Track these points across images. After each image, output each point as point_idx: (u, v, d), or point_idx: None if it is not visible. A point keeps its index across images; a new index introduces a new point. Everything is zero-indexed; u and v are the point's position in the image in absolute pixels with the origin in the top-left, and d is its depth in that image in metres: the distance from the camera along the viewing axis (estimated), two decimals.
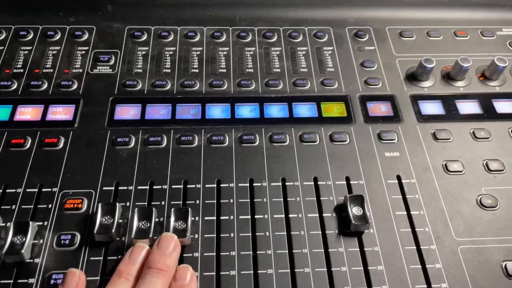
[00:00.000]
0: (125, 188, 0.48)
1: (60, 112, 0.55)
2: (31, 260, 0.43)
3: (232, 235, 0.46)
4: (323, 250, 0.45)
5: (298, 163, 0.51)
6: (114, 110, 0.55)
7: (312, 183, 0.50)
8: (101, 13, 0.66)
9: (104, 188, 0.48)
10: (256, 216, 0.47)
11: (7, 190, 0.47)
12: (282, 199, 0.48)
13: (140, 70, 0.60)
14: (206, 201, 0.48)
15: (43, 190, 0.48)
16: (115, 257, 0.44)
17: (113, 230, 0.44)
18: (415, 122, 0.56)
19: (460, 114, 0.57)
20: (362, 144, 0.53)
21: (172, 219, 0.45)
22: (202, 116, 0.56)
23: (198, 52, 0.62)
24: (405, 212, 0.48)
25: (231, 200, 0.48)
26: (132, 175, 0.49)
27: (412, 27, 0.67)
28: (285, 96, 0.58)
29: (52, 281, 0.42)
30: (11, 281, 0.42)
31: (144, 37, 0.64)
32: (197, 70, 0.60)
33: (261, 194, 0.49)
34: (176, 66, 0.61)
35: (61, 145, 0.52)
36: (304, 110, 0.57)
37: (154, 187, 0.49)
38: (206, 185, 0.49)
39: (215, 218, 0.47)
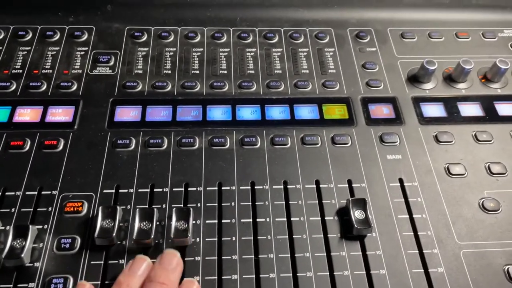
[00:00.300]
0: (126, 191, 0.48)
1: (60, 114, 0.54)
2: (31, 264, 0.43)
3: (233, 238, 0.45)
4: (325, 254, 0.45)
5: (299, 165, 0.51)
6: (114, 111, 0.55)
7: (314, 186, 0.50)
8: (101, 13, 0.65)
9: (104, 191, 0.48)
10: (257, 220, 0.47)
11: (6, 193, 0.47)
12: (284, 202, 0.48)
13: (140, 71, 0.60)
14: (207, 204, 0.48)
15: (43, 193, 0.47)
16: (116, 261, 0.43)
17: (114, 234, 0.43)
18: (417, 124, 0.56)
19: (462, 117, 0.57)
20: (364, 146, 0.53)
21: (174, 219, 0.44)
22: (203, 118, 0.55)
23: (199, 53, 0.62)
24: (407, 216, 0.48)
25: (233, 203, 0.48)
26: (132, 178, 0.49)
27: (413, 28, 0.67)
28: (287, 98, 0.58)
29: (52, 286, 0.41)
30: (11, 286, 0.41)
31: (144, 38, 0.63)
32: (197, 71, 0.60)
33: (263, 197, 0.48)
34: (176, 67, 0.60)
35: (60, 147, 0.51)
36: (305, 112, 0.56)
37: (155, 190, 0.48)
38: (207, 188, 0.49)
39: (216, 221, 0.46)
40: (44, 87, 0.57)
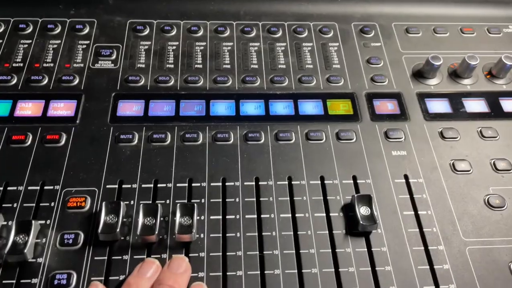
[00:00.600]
0: (129, 186, 0.48)
1: (62, 108, 0.54)
2: (34, 260, 0.42)
3: (238, 234, 0.45)
4: (330, 250, 0.45)
5: (304, 161, 0.51)
6: (116, 106, 0.54)
7: (319, 182, 0.49)
8: (102, 6, 0.64)
9: (107, 186, 0.47)
10: (262, 216, 0.46)
11: (8, 188, 0.46)
12: (288, 198, 0.48)
13: (143, 65, 0.59)
14: (211, 200, 0.47)
15: (45, 188, 0.47)
16: (120, 257, 0.43)
17: (117, 230, 0.43)
18: (422, 120, 0.55)
19: (467, 113, 0.56)
20: (369, 142, 0.53)
21: (178, 215, 0.44)
22: (207, 113, 0.55)
23: (202, 47, 0.61)
24: (413, 212, 0.47)
25: (237, 199, 0.47)
26: (136, 173, 0.49)
27: (418, 23, 0.66)
28: (291, 93, 0.57)
29: (56, 281, 0.41)
30: (14, 281, 0.41)
31: (147, 31, 0.62)
32: (200, 66, 0.59)
33: (267, 193, 0.48)
34: (179, 62, 0.60)
35: (63, 142, 0.51)
36: (310, 107, 0.56)
37: (159, 185, 0.48)
38: (212, 184, 0.48)
39: (221, 217, 0.46)
40: (45, 81, 0.56)
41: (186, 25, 0.64)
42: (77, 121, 0.53)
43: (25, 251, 0.41)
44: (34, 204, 0.46)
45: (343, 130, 0.54)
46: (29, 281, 0.41)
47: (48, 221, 0.45)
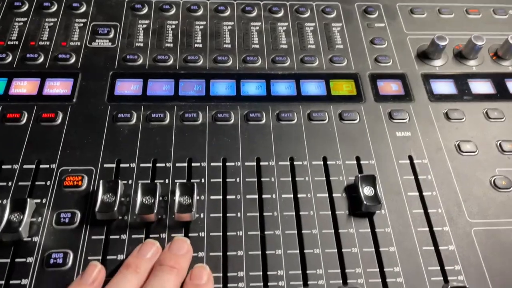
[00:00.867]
0: (127, 165, 0.46)
1: (58, 86, 0.52)
2: (29, 239, 0.41)
3: (239, 214, 0.44)
4: (333, 231, 0.44)
5: (306, 142, 0.50)
6: (114, 85, 0.53)
7: (321, 162, 0.48)
8: None
9: (105, 165, 0.46)
10: (263, 196, 0.45)
11: (3, 166, 0.45)
12: (290, 179, 0.47)
13: (141, 44, 0.57)
14: (211, 180, 0.46)
15: (41, 166, 0.46)
16: (117, 236, 0.42)
17: (115, 208, 0.42)
18: (427, 101, 0.54)
19: (473, 94, 0.55)
20: (373, 123, 0.52)
21: (177, 194, 0.43)
22: (206, 93, 0.53)
23: (202, 27, 0.60)
24: (417, 193, 0.46)
25: (238, 179, 0.46)
26: (134, 152, 0.47)
27: (423, 4, 0.65)
28: (293, 73, 0.56)
29: (51, 260, 0.40)
30: (8, 260, 0.40)
31: (145, 10, 0.61)
32: (200, 45, 0.58)
33: (269, 173, 0.47)
34: (178, 41, 0.58)
35: (59, 120, 0.49)
36: (312, 87, 0.55)
37: (157, 165, 0.47)
38: (212, 164, 0.47)
39: (221, 197, 0.45)
40: (41, 59, 0.55)
41: (185, 4, 0.62)
42: (74, 100, 0.51)
43: (20, 229, 0.40)
44: (29, 183, 0.44)
45: (346, 111, 0.52)
46: (24, 260, 0.40)
47: (44, 200, 0.43)
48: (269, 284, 0.40)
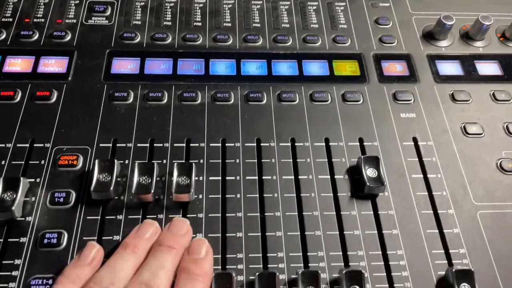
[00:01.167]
0: (124, 145, 0.45)
1: (53, 64, 0.51)
2: (23, 219, 0.40)
3: (238, 196, 0.43)
4: (334, 213, 0.42)
5: (308, 123, 0.48)
6: (111, 63, 0.52)
7: (323, 144, 0.47)
8: None
9: (100, 145, 0.45)
10: (263, 177, 0.44)
11: None
12: (291, 160, 0.45)
13: (139, 22, 0.56)
14: (210, 161, 0.45)
15: (35, 145, 0.44)
16: (113, 217, 0.41)
17: (111, 188, 0.41)
18: (432, 82, 0.53)
19: (480, 75, 0.54)
20: (377, 104, 0.50)
21: (175, 174, 0.42)
22: (206, 72, 0.52)
23: (201, 4, 0.58)
24: (422, 175, 0.45)
25: (237, 160, 0.45)
26: (131, 132, 0.46)
27: None
28: (295, 53, 0.54)
29: (45, 240, 0.39)
30: (1, 240, 0.39)
31: None
32: (200, 24, 0.56)
33: (269, 154, 0.46)
34: (177, 19, 0.56)
35: (54, 99, 0.48)
36: (315, 68, 0.53)
37: (155, 145, 0.46)
38: (211, 144, 0.46)
39: (220, 178, 0.44)
40: (36, 37, 0.53)
41: None
42: (69, 78, 0.50)
43: (13, 208, 0.39)
44: (23, 162, 0.43)
45: (349, 92, 0.51)
46: (18, 239, 0.39)
47: (38, 179, 0.42)
48: (269, 266, 0.39)
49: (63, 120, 0.46)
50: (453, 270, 0.38)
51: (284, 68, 0.53)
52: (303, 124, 0.48)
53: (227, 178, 0.44)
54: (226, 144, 0.46)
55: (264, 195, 0.43)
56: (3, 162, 0.43)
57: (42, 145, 0.44)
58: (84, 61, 0.51)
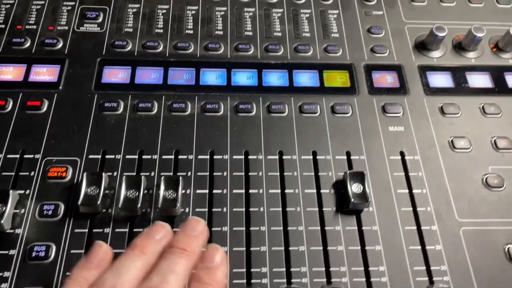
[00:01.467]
0: (113, 156, 0.46)
1: (44, 73, 0.51)
2: (12, 231, 0.41)
3: (225, 209, 0.43)
4: (319, 228, 0.43)
5: (296, 135, 0.49)
6: (102, 72, 0.52)
7: (311, 157, 0.47)
8: None
9: (90, 156, 0.46)
10: (250, 191, 0.45)
11: None
12: (278, 174, 0.46)
13: (131, 30, 0.56)
14: (198, 173, 0.45)
15: (25, 156, 0.45)
16: (101, 230, 0.42)
17: (98, 202, 0.41)
18: (422, 94, 0.53)
19: (470, 88, 0.54)
20: (365, 117, 0.50)
21: (162, 188, 0.42)
22: (196, 82, 0.52)
23: (193, 12, 0.58)
24: (407, 190, 0.46)
25: (225, 173, 0.45)
26: (120, 143, 0.47)
27: None
28: (286, 62, 0.54)
29: (34, 253, 0.40)
30: None
31: None
32: (191, 32, 0.56)
33: (257, 167, 0.46)
34: (169, 26, 0.56)
35: (44, 109, 0.48)
36: (305, 78, 0.53)
37: (144, 156, 0.46)
38: (199, 156, 0.46)
39: (207, 191, 0.44)
40: (27, 44, 0.53)
41: None
42: (60, 87, 0.50)
43: (2, 221, 0.40)
44: (13, 173, 0.44)
45: (338, 104, 0.51)
46: (7, 252, 0.40)
47: (28, 191, 0.43)
48: (252, 281, 0.40)
49: (53, 130, 0.47)
50: None
51: (274, 78, 0.53)
52: (292, 137, 0.49)
53: (214, 191, 0.44)
54: (214, 157, 0.47)
55: (250, 209, 0.44)
56: None
57: (32, 156, 0.45)
58: (76, 70, 0.52)
